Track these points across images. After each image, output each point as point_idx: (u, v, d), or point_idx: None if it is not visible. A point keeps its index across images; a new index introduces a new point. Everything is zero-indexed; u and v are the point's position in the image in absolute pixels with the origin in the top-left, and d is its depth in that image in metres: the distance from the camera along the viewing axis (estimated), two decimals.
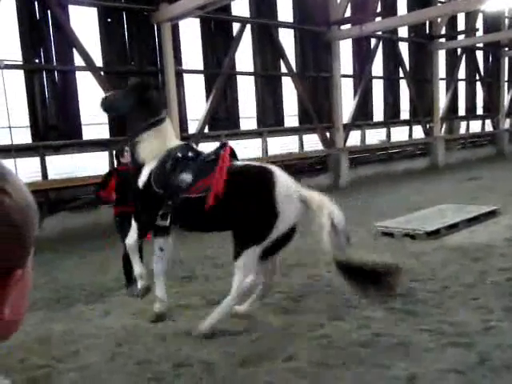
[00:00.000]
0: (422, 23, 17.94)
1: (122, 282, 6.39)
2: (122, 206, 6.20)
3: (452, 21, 19.67)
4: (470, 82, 21.65)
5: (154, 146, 5.18)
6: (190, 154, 5.20)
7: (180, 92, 11.81)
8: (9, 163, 8.36)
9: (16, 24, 9.49)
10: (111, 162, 10.35)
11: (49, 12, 9.83)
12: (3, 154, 8.94)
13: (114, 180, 6.16)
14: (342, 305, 5.25)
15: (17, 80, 9.62)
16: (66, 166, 10.70)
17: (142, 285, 5.29)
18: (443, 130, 20.23)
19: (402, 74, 18.01)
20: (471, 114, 22.00)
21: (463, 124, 21.67)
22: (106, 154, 10.74)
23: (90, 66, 10.33)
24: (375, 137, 17.63)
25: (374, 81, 17.21)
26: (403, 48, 18.13)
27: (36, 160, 9.86)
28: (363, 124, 16.79)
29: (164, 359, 4.27)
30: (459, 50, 20.53)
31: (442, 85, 20.00)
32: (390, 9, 16.66)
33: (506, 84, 23.23)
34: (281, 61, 14.03)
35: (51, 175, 10.06)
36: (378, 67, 17.27)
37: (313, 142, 15.34)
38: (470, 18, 20.41)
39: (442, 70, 19.68)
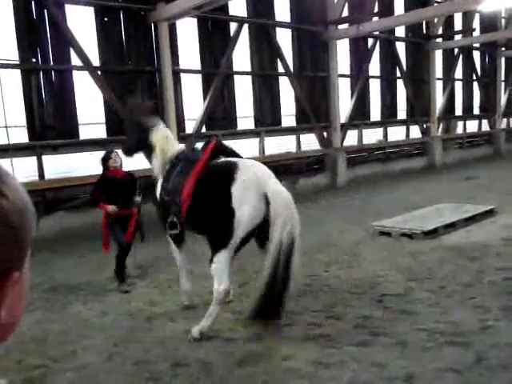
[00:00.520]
0: (419, 23, 17.97)
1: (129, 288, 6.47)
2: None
3: (449, 21, 19.70)
4: (466, 81, 21.70)
5: (159, 158, 5.40)
6: (185, 155, 5.27)
7: (177, 92, 11.80)
8: (5, 163, 8.37)
9: (12, 23, 9.45)
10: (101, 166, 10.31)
11: (45, 11, 9.80)
12: (0, 153, 8.92)
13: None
14: (340, 304, 5.25)
15: (13, 79, 9.59)
16: (63, 166, 10.68)
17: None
18: (440, 129, 20.27)
19: (399, 74, 18.03)
20: (468, 113, 22.05)
21: (460, 124, 21.71)
22: (102, 153, 10.69)
23: (86, 65, 10.30)
24: (372, 136, 17.64)
25: (371, 80, 17.22)
26: (400, 48, 18.15)
27: (33, 160, 9.83)
28: (360, 124, 16.79)
29: (161, 359, 4.27)
30: (456, 50, 20.57)
31: (439, 85, 20.02)
32: (387, 9, 16.69)
33: (502, 84, 23.29)
34: (278, 60, 14.03)
35: (48, 175, 10.02)
36: (375, 67, 17.28)
37: (310, 142, 15.34)
38: (467, 18, 20.47)
39: (438, 70, 19.71)
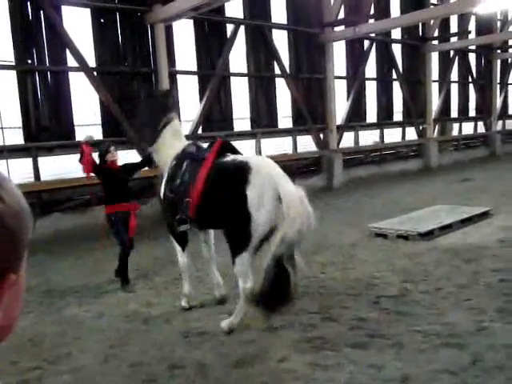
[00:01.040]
0: (415, 25, 18.03)
1: (115, 280, 6.53)
2: (112, 204, 6.32)
3: (445, 23, 19.77)
4: (462, 83, 21.77)
5: (166, 151, 5.44)
6: (190, 153, 5.22)
7: (173, 93, 11.79)
8: (1, 164, 8.36)
9: (8, 24, 9.43)
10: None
11: (41, 13, 9.78)
12: None
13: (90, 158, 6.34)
14: (336, 306, 5.25)
15: (9, 81, 9.57)
16: (59, 167, 10.66)
17: (219, 294, 5.58)
18: (436, 131, 20.33)
19: (395, 76, 18.08)
20: (464, 115, 22.12)
21: (456, 126, 21.77)
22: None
23: (83, 66, 10.29)
24: (368, 138, 17.67)
25: (367, 82, 17.27)
26: (396, 50, 18.20)
27: (28, 161, 9.81)
28: (357, 125, 16.82)
29: (158, 361, 4.26)
30: (452, 52, 20.64)
31: (435, 87, 20.10)
32: (383, 11, 16.75)
33: (498, 86, 23.37)
34: (274, 62, 14.05)
35: (44, 176, 10.01)
36: (371, 69, 17.32)
37: (306, 144, 15.36)
38: (463, 20, 20.54)
39: (434, 72, 19.78)
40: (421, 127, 19.19)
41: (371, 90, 17.50)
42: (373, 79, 17.46)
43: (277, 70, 14.13)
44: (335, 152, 15.31)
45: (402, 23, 15.08)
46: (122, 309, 5.68)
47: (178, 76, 12.12)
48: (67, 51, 10.17)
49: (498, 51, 22.50)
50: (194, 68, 12.49)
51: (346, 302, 5.33)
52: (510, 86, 25.11)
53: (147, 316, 5.38)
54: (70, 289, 6.56)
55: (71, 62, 10.26)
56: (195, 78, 12.52)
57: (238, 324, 4.75)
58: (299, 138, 15.07)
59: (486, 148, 22.87)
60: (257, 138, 13.77)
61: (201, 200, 4.77)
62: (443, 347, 4.10)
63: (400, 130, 18.78)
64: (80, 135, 10.54)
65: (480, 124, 23.11)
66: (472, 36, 20.19)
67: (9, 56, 9.51)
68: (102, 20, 10.69)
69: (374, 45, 17.08)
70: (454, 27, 20.59)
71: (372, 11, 15.94)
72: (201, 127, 12.51)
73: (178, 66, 12.08)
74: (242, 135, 13.58)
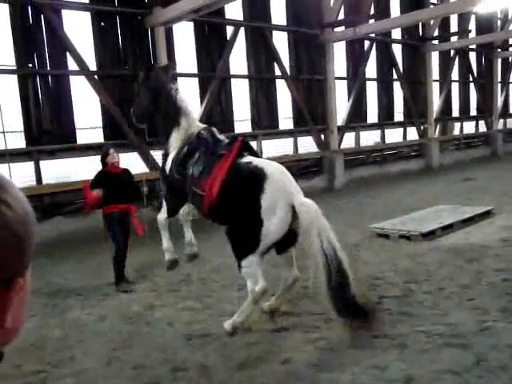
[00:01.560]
0: (415, 25, 18.02)
1: (134, 287, 6.58)
2: (110, 206, 6.38)
3: (445, 22, 19.76)
4: (463, 83, 21.76)
5: (181, 133, 5.39)
6: (205, 140, 5.19)
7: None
8: (3, 168, 8.37)
9: (9, 29, 9.46)
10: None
11: (42, 16, 9.80)
12: None
13: (94, 194, 6.39)
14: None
15: (11, 85, 9.59)
16: (61, 171, 10.66)
17: (188, 252, 5.61)
18: (437, 131, 20.31)
19: (395, 76, 18.08)
20: (465, 115, 22.10)
21: (457, 125, 21.75)
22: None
23: (83, 70, 10.31)
24: (370, 138, 17.66)
25: (367, 83, 17.27)
26: (396, 50, 18.20)
27: (30, 165, 9.82)
28: (357, 126, 16.82)
29: (161, 363, 4.26)
30: (452, 52, 20.63)
31: (436, 86, 20.09)
32: (383, 11, 16.74)
33: (499, 85, 23.35)
34: (275, 63, 14.06)
35: (45, 180, 10.02)
36: (371, 69, 17.33)
37: (307, 145, 15.36)
38: (463, 19, 20.53)
39: (435, 72, 19.77)
40: (422, 127, 19.18)
41: (372, 90, 17.50)
42: (373, 79, 17.46)
43: (277, 72, 14.14)
44: (336, 153, 15.31)
45: (402, 23, 15.08)
46: (125, 311, 5.68)
47: (179, 78, 12.11)
48: (68, 55, 10.19)
49: (499, 50, 22.48)
50: (195, 70, 12.50)
51: None
52: (510, 85, 25.08)
53: (150, 318, 5.38)
54: (73, 292, 6.56)
55: (72, 65, 10.28)
56: (196, 80, 12.54)
57: (240, 323, 4.72)
58: (300, 139, 15.07)
59: (487, 147, 22.85)
60: (258, 139, 13.77)
61: (217, 199, 4.73)
62: (446, 347, 4.10)
63: (401, 130, 18.77)
64: (81, 138, 10.58)
65: (481, 123, 23.09)
66: (472, 35, 20.21)
67: (10, 60, 9.54)
68: (102, 23, 10.71)
69: (375, 45, 17.08)
70: (454, 27, 20.58)
71: (372, 11, 15.94)
72: None
73: (179, 69, 12.07)
74: (243, 137, 13.54)
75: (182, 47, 12.14)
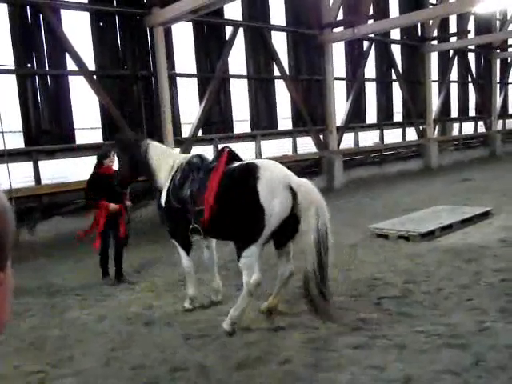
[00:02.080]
0: (414, 25, 18.05)
1: (114, 285, 6.67)
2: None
3: (444, 23, 19.79)
4: (462, 83, 21.78)
5: (164, 169, 5.56)
6: (197, 164, 5.34)
7: (173, 96, 11.81)
8: (1, 168, 8.37)
9: (8, 29, 9.45)
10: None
11: (41, 16, 9.80)
12: None
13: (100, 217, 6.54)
14: (337, 307, 5.24)
15: (9, 85, 9.58)
16: (60, 171, 10.65)
17: (216, 300, 5.76)
18: (436, 131, 20.32)
19: (394, 76, 18.09)
20: (464, 115, 22.13)
21: (456, 126, 21.77)
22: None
23: (82, 70, 10.31)
24: (368, 139, 17.67)
25: (366, 83, 17.28)
26: (395, 50, 18.21)
27: (29, 165, 9.82)
28: (356, 126, 16.83)
29: (159, 363, 4.26)
30: (451, 52, 20.66)
31: (435, 87, 20.11)
32: (382, 11, 16.76)
33: (497, 85, 23.37)
34: (274, 64, 14.06)
35: (44, 180, 10.01)
36: (370, 69, 17.34)
37: (307, 145, 15.36)
38: (462, 20, 20.55)
39: (434, 72, 19.79)
40: (421, 127, 19.19)
41: (371, 90, 17.52)
42: (372, 80, 17.47)
43: (276, 72, 14.14)
44: (335, 153, 15.32)
45: (401, 23, 15.09)
46: (124, 311, 5.68)
47: (178, 79, 12.13)
48: (67, 55, 10.18)
49: (498, 51, 22.50)
50: (194, 70, 12.50)
51: (348, 303, 5.33)
52: (509, 86, 25.11)
53: (149, 318, 5.38)
54: (71, 292, 6.56)
55: (71, 65, 10.28)
56: (195, 80, 12.53)
57: (237, 318, 4.75)
58: (299, 140, 15.07)
59: (486, 148, 22.86)
60: (257, 139, 13.78)
61: (215, 207, 4.84)
62: (445, 348, 4.10)
63: (400, 130, 18.78)
64: (80, 139, 10.57)
65: (480, 124, 23.12)
66: (471, 36, 20.21)
67: (8, 60, 9.53)
68: (101, 23, 10.70)
69: (374, 45, 17.09)
70: (453, 27, 20.60)
71: (371, 12, 15.95)
72: (201, 129, 12.51)
73: (178, 69, 12.09)
74: (242, 137, 13.59)
75: (180, 47, 12.14)
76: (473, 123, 22.90)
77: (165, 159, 5.60)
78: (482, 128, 23.19)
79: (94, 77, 10.61)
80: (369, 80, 17.33)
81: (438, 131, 20.57)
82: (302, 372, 3.92)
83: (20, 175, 9.74)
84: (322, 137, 15.47)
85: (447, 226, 8.35)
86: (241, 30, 13.21)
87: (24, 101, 9.73)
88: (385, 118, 17.95)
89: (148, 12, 10.94)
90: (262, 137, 13.92)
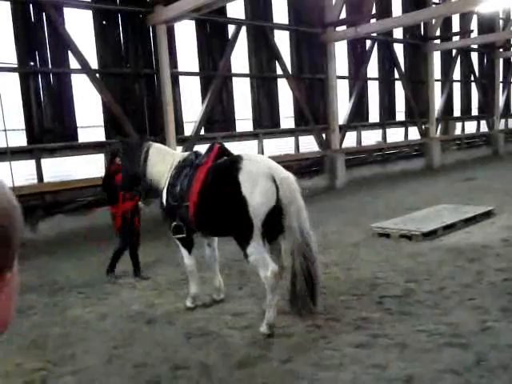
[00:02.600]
0: (417, 25, 18.02)
1: (118, 281, 6.72)
2: (119, 205, 6.50)
3: (447, 22, 19.75)
4: (464, 83, 21.74)
5: (157, 168, 5.56)
6: (190, 161, 5.34)
7: (176, 94, 11.81)
8: (4, 166, 8.38)
9: (11, 27, 9.46)
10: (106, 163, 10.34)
11: (44, 15, 9.81)
12: None
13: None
14: (339, 306, 5.25)
15: (12, 83, 9.60)
16: (62, 169, 10.67)
17: (218, 298, 5.73)
18: (439, 130, 20.29)
19: (397, 76, 18.06)
20: (466, 114, 22.09)
21: (458, 125, 21.73)
22: (101, 156, 10.71)
23: (85, 68, 10.31)
24: (371, 138, 17.65)
25: (369, 82, 17.25)
26: (398, 49, 18.18)
27: (32, 163, 9.83)
28: (359, 125, 16.81)
29: (161, 362, 4.27)
30: (454, 51, 20.61)
31: (437, 86, 20.06)
32: (384, 10, 16.74)
33: (500, 85, 23.33)
34: (276, 62, 14.05)
35: (47, 178, 10.02)
36: (373, 68, 17.31)
37: (309, 144, 15.35)
38: (465, 19, 20.50)
39: (437, 71, 19.75)
40: (423, 127, 19.16)
41: (373, 89, 17.49)
42: (375, 79, 17.45)
43: (279, 71, 14.13)
44: (338, 152, 15.31)
45: (403, 23, 15.08)
46: (126, 309, 5.68)
47: (180, 77, 12.13)
48: (69, 53, 10.19)
49: (501, 50, 22.46)
50: (196, 69, 12.50)
51: (350, 302, 5.33)
52: None
53: (151, 317, 5.39)
54: (74, 290, 6.57)
55: (73, 63, 10.28)
56: (197, 78, 12.53)
57: (274, 318, 4.66)
58: (301, 139, 15.06)
59: (488, 147, 22.82)
60: (259, 138, 13.78)
61: (199, 201, 4.87)
62: (447, 347, 4.10)
63: (402, 129, 18.76)
64: (82, 137, 10.58)
65: (483, 123, 23.07)
66: (474, 35, 20.17)
67: (11, 58, 9.54)
68: (103, 22, 10.70)
69: (376, 44, 17.06)
70: (455, 26, 20.56)
71: (374, 11, 15.92)
72: (203, 128, 12.51)
73: (180, 67, 12.09)
74: (244, 136, 13.59)
75: (183, 46, 12.14)
76: (475, 122, 22.86)
77: (164, 161, 5.58)
78: (484, 127, 23.14)
79: (97, 75, 10.61)
80: (371, 79, 17.30)
81: (441, 130, 20.54)
82: (303, 371, 3.92)
83: (23, 173, 9.76)
84: (324, 136, 15.46)
85: (449, 225, 8.34)
86: (243, 28, 13.21)
87: (27, 99, 9.75)
88: (387, 117, 17.93)
89: (151, 10, 10.93)
90: (264, 135, 13.92)
